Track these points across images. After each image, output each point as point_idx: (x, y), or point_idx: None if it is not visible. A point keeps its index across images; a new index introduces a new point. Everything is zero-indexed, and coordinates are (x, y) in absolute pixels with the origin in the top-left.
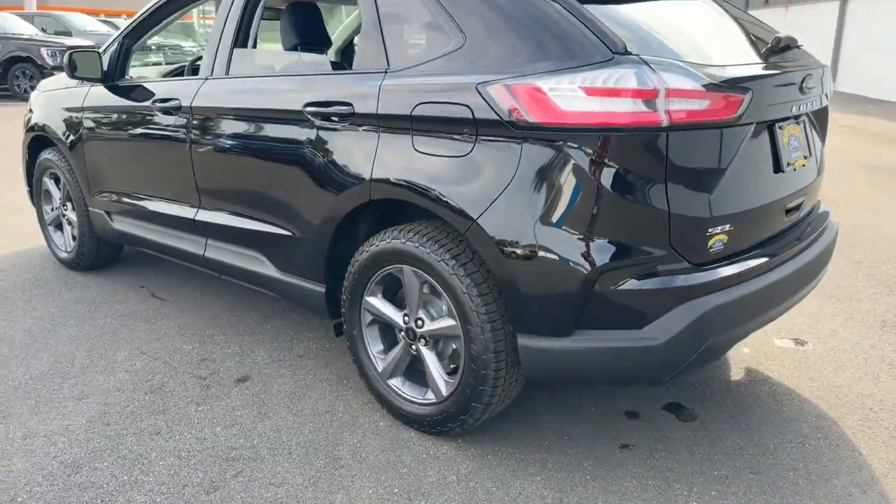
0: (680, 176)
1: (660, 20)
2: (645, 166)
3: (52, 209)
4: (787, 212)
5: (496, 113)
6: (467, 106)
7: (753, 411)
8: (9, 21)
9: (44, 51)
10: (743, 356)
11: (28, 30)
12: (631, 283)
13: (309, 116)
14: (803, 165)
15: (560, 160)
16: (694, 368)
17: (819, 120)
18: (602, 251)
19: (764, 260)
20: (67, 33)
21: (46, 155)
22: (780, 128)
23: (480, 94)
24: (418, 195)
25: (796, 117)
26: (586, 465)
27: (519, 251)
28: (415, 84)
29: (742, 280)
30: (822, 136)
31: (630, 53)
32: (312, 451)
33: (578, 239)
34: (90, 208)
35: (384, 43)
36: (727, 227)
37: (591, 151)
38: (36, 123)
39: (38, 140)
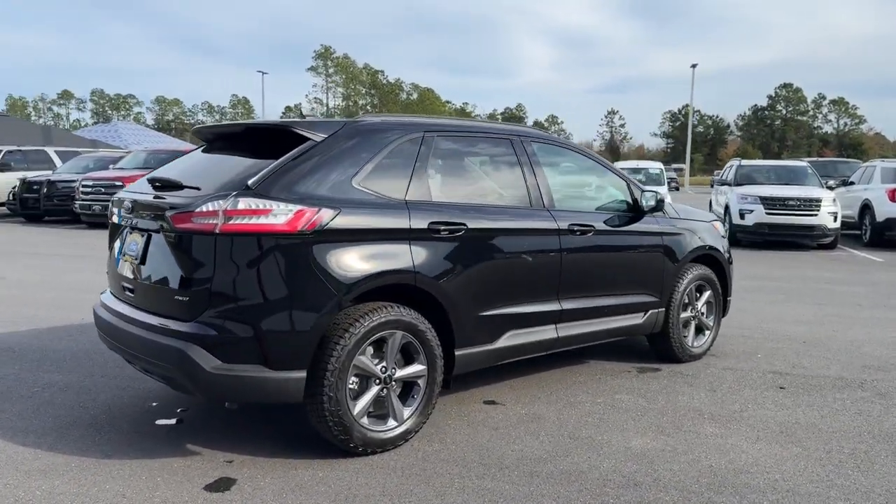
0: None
1: (191, 169)
2: None
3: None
4: (124, 288)
5: None
6: None
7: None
8: None
9: None
10: None
11: None
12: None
13: None
14: (130, 264)
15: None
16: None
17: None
18: None
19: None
20: None
21: None
22: (125, 231)
23: None
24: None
25: (136, 229)
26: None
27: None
28: None
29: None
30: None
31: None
32: None
33: None
34: None
35: None
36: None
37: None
38: None
39: None
